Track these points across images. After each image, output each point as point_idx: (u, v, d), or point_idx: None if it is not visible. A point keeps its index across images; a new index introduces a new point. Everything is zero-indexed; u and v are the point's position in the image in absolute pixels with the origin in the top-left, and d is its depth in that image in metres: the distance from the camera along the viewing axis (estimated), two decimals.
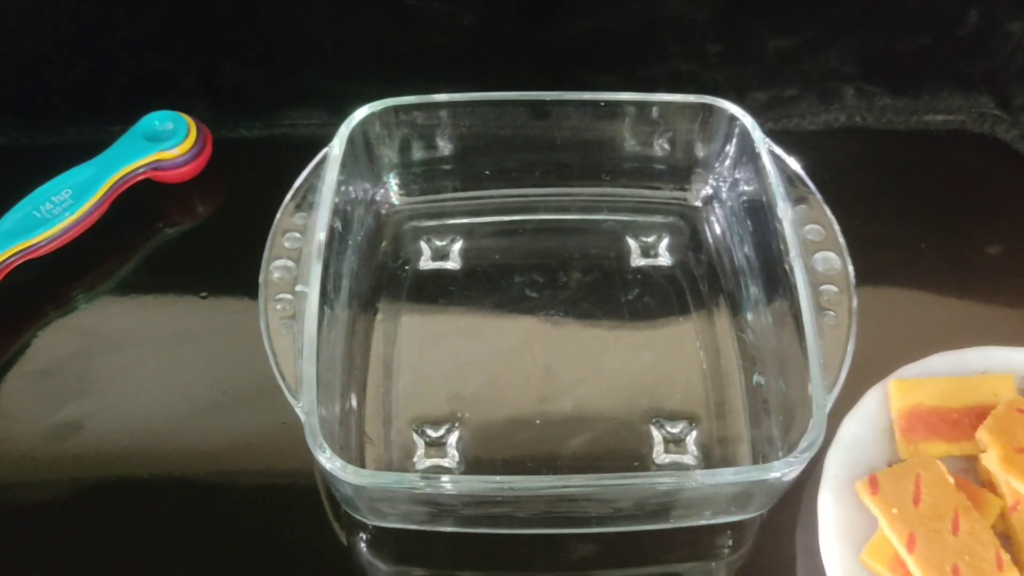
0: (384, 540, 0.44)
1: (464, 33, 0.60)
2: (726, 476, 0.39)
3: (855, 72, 0.62)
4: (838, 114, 0.61)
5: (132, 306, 0.52)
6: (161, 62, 0.61)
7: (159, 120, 0.56)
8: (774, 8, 0.61)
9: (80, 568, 0.43)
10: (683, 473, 0.39)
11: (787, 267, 0.44)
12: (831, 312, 0.43)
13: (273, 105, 0.61)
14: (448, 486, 0.38)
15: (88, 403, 0.48)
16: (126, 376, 0.49)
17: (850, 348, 0.42)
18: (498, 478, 0.38)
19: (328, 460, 0.38)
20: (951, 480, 0.41)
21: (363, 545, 0.44)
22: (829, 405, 0.40)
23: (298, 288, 0.43)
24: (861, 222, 0.49)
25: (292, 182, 0.49)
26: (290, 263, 0.45)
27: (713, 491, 0.40)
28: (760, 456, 0.45)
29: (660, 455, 0.45)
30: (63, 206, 0.52)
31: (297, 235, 0.46)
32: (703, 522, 0.43)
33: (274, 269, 0.44)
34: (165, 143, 0.55)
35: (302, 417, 0.39)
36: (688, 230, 0.54)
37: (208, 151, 0.57)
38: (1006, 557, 0.39)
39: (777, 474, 0.38)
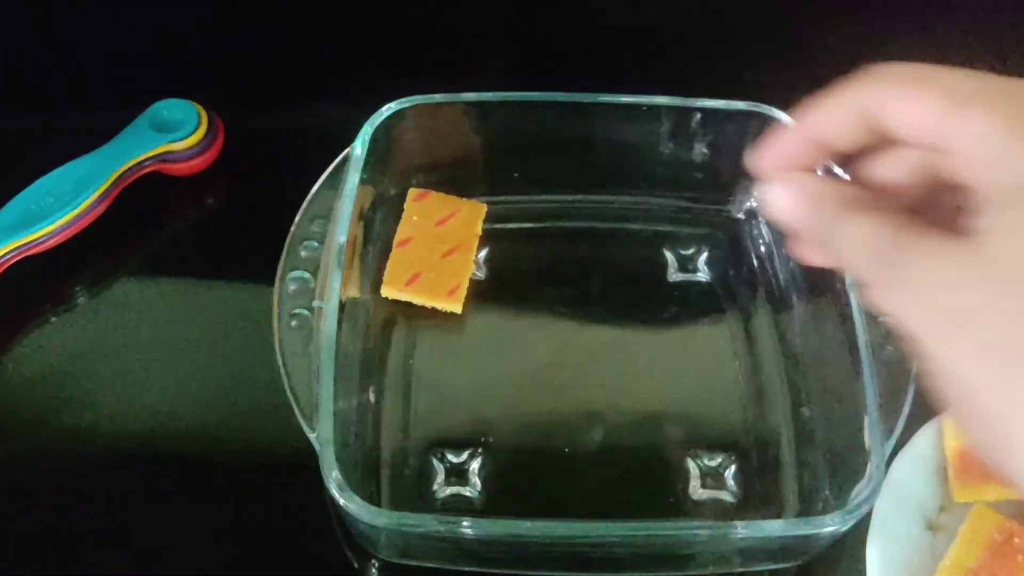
0: (398, 570, 0.41)
1: (495, 26, 0.57)
2: (773, 529, 0.36)
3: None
4: None
5: (136, 307, 0.49)
6: (171, 46, 0.58)
7: (168, 109, 0.53)
8: (825, 4, 0.57)
9: None
10: (724, 525, 0.36)
11: (840, 291, 0.42)
12: (889, 347, 0.40)
13: (291, 95, 0.58)
14: (470, 531, 0.35)
15: (87, 410, 0.46)
16: (128, 382, 0.47)
17: (910, 390, 0.39)
18: (526, 524, 0.35)
19: (343, 497, 0.35)
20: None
21: (375, 573, 0.42)
22: (887, 452, 0.37)
23: (315, 303, 0.41)
24: None
25: (309, 177, 0.46)
26: (307, 275, 0.42)
27: (756, 542, 0.37)
28: (804, 496, 0.42)
29: (696, 490, 0.42)
30: (64, 200, 0.49)
31: (315, 244, 0.43)
32: (738, 570, 0.41)
33: (290, 281, 0.42)
34: (174, 134, 0.52)
35: (316, 447, 0.37)
36: (729, 244, 0.51)
37: (220, 143, 0.54)
38: None
39: (829, 529, 0.36)
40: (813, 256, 0.31)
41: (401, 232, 0.48)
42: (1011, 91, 0.25)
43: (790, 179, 0.29)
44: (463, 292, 0.47)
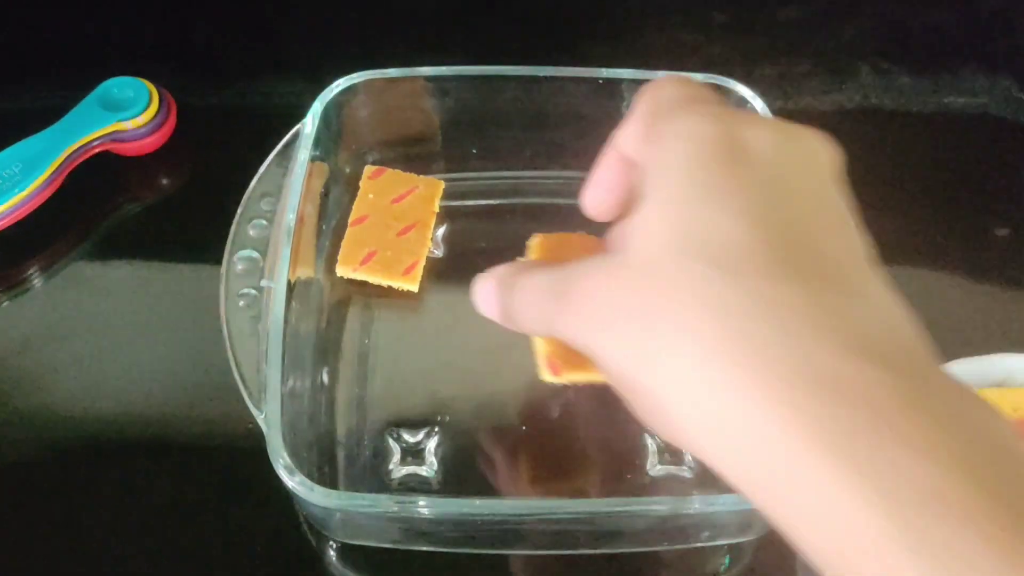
0: (358, 550, 0.41)
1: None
2: (729, 503, 0.36)
3: (871, 48, 0.58)
4: (852, 94, 0.58)
5: (88, 290, 0.49)
6: (121, 22, 0.57)
7: (118, 87, 0.51)
8: None
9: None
10: (679, 500, 0.36)
11: None
12: None
13: (244, 71, 0.57)
14: (424, 510, 0.35)
15: (39, 396, 0.45)
16: (79, 366, 0.46)
17: None
18: (478, 502, 0.35)
19: (292, 480, 0.35)
20: None
21: (333, 554, 0.41)
22: None
23: (263, 283, 0.40)
24: (875, 212, 0.46)
25: (264, 154, 0.45)
26: (255, 254, 0.41)
27: (712, 516, 0.37)
28: None
29: (655, 466, 0.42)
30: (12, 181, 0.48)
31: (264, 222, 0.42)
32: (698, 544, 0.40)
33: (237, 261, 0.41)
34: (125, 112, 0.51)
35: (264, 429, 0.36)
36: None
37: (172, 121, 0.53)
38: None
39: None
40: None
41: (356, 210, 0.47)
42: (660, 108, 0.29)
43: (483, 275, 0.33)
44: (420, 270, 0.46)
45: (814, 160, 0.27)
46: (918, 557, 0.20)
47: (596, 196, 0.33)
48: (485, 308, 0.33)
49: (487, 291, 0.32)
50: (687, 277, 0.24)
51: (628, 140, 0.30)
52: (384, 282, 0.46)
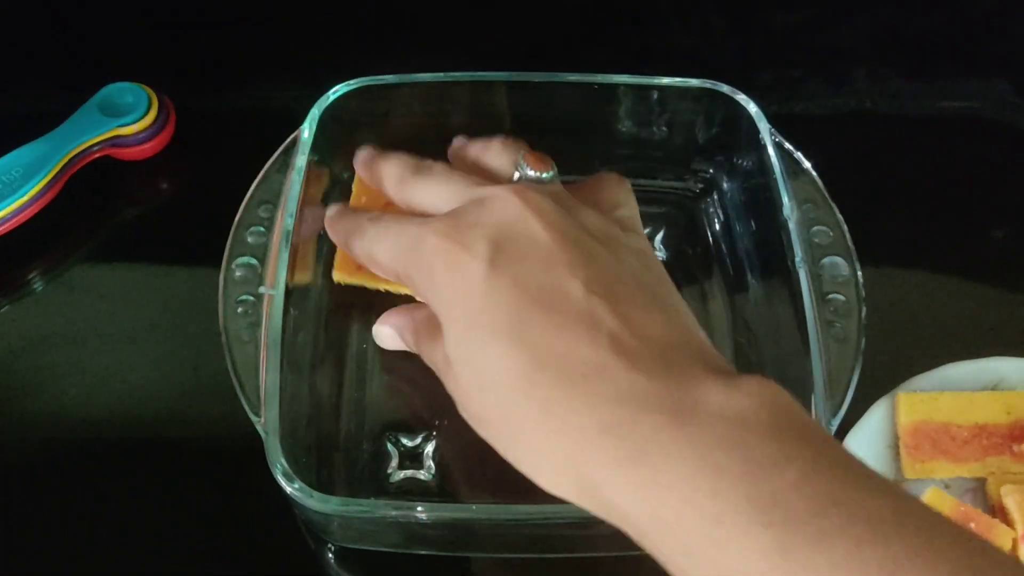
0: (355, 553, 0.41)
1: (449, 5, 0.56)
2: None
3: (867, 53, 0.59)
4: (847, 98, 0.58)
5: (87, 295, 0.49)
6: (120, 28, 0.57)
7: (118, 92, 0.52)
8: None
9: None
10: None
11: (791, 269, 0.42)
12: (838, 325, 0.40)
13: (243, 76, 0.57)
14: (422, 515, 0.35)
15: (40, 400, 0.45)
16: (79, 371, 0.46)
17: (857, 368, 0.39)
18: (475, 507, 0.35)
19: (290, 487, 0.35)
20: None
21: (331, 557, 0.42)
22: (834, 428, 0.37)
23: (262, 290, 0.40)
24: (869, 216, 0.46)
25: (263, 159, 0.45)
26: (254, 261, 0.41)
27: None
28: None
29: None
30: (12, 186, 0.48)
31: (262, 229, 0.42)
32: None
33: (236, 268, 0.41)
34: (124, 118, 0.51)
35: (263, 435, 0.36)
36: (686, 222, 0.51)
37: (171, 127, 0.53)
38: None
39: None
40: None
41: None
42: (405, 257, 0.35)
43: (382, 320, 0.41)
44: None
45: (535, 225, 0.33)
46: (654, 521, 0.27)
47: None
48: (389, 346, 0.41)
49: (389, 336, 0.41)
50: (489, 403, 0.31)
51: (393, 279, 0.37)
52: (381, 287, 0.46)
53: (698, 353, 0.30)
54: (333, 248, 0.47)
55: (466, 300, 0.32)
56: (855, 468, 0.27)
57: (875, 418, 0.43)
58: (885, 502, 0.25)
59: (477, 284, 0.32)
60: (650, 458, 0.27)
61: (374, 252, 0.37)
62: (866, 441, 0.43)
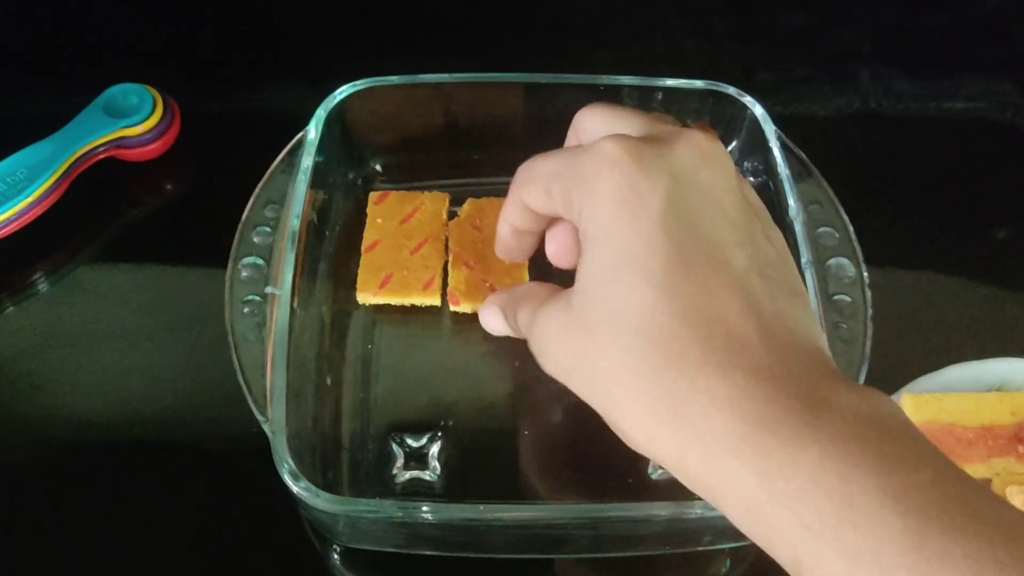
0: (360, 553, 0.41)
1: (454, 5, 0.56)
2: None
3: (871, 54, 0.59)
4: (852, 98, 0.58)
5: (93, 296, 0.49)
6: (125, 29, 0.57)
7: (123, 93, 0.52)
8: None
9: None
10: (681, 504, 0.36)
11: (798, 271, 0.41)
12: (844, 326, 0.40)
13: (248, 77, 0.58)
14: (428, 516, 0.35)
15: (45, 401, 0.45)
16: (85, 372, 0.46)
17: (864, 368, 0.39)
18: (482, 508, 0.35)
19: (297, 485, 0.35)
20: None
21: (337, 558, 0.42)
22: None
23: (268, 289, 0.40)
24: (874, 217, 0.47)
25: (268, 160, 0.45)
26: (260, 261, 0.41)
27: (714, 520, 0.37)
28: None
29: (656, 470, 0.42)
30: (17, 187, 0.48)
31: (268, 229, 0.42)
32: (700, 548, 0.41)
33: (242, 268, 0.41)
34: (129, 118, 0.51)
35: (269, 435, 0.36)
36: None
37: (176, 127, 0.53)
38: None
39: None
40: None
41: (367, 237, 0.47)
42: (570, 165, 0.33)
43: (489, 302, 0.40)
44: (439, 283, 0.46)
45: (705, 178, 0.31)
46: (778, 507, 0.27)
47: (513, 242, 0.40)
48: (494, 330, 0.40)
49: (493, 316, 0.39)
50: (618, 346, 0.30)
51: (541, 199, 0.35)
52: (406, 301, 0.46)
53: (825, 353, 0.30)
54: (339, 248, 0.47)
55: (629, 231, 0.30)
56: (976, 483, 0.27)
57: None
58: (1013, 513, 0.25)
59: (647, 219, 0.30)
60: (777, 435, 0.27)
61: (535, 164, 0.35)
62: None
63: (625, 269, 0.30)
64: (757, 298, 0.30)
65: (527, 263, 0.47)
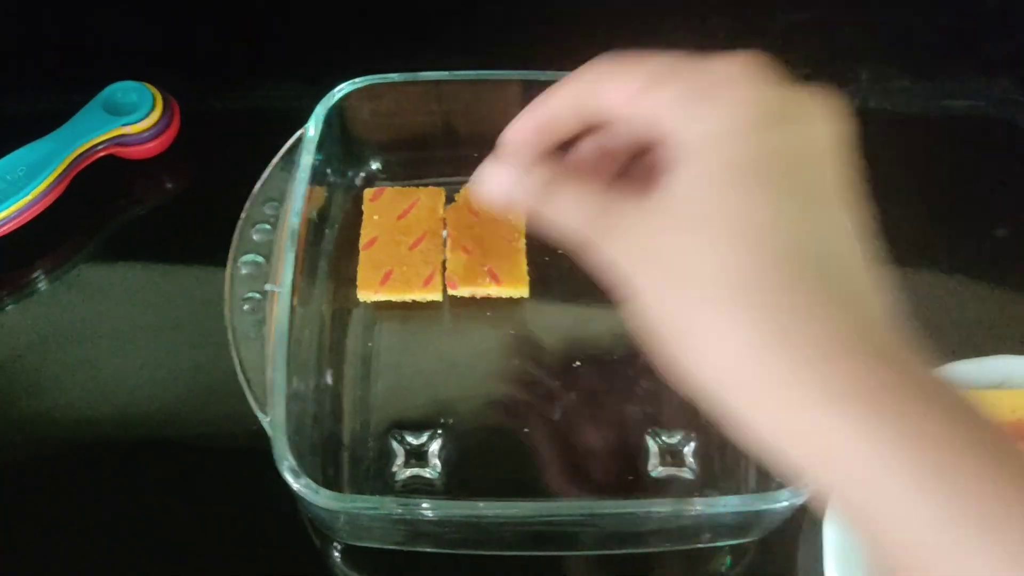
0: (360, 551, 0.41)
1: (454, 3, 0.56)
2: (730, 504, 0.36)
3: (871, 52, 0.59)
4: (852, 97, 0.58)
5: (92, 294, 0.49)
6: (125, 27, 0.57)
7: (122, 91, 0.52)
8: None
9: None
10: (681, 501, 0.36)
11: None
12: None
13: (247, 75, 0.58)
14: (429, 512, 0.35)
15: (45, 398, 0.45)
16: (85, 369, 0.46)
17: None
18: (483, 504, 0.35)
19: (297, 482, 0.35)
20: None
21: (337, 555, 0.42)
22: None
23: (268, 287, 0.40)
24: (875, 215, 0.46)
25: (267, 157, 0.46)
26: (260, 258, 0.42)
27: (713, 518, 0.37)
28: (763, 473, 0.42)
29: (656, 468, 0.42)
30: (17, 185, 0.48)
31: (268, 227, 0.42)
32: (699, 546, 0.41)
33: (242, 265, 0.41)
34: (129, 116, 0.51)
35: (269, 432, 0.36)
36: None
37: (176, 125, 0.53)
38: None
39: (785, 504, 0.36)
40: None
41: (365, 234, 0.47)
42: (692, 67, 0.29)
43: (501, 162, 0.33)
44: (439, 279, 0.47)
45: (832, 133, 0.29)
46: (917, 482, 0.24)
47: (526, 138, 0.34)
48: (499, 193, 0.33)
49: (503, 179, 0.33)
50: (723, 249, 0.26)
51: (624, 96, 0.30)
52: (407, 297, 0.46)
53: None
54: (338, 246, 0.47)
55: (761, 142, 0.27)
56: None
57: None
58: None
59: (781, 141, 0.28)
60: (903, 400, 0.25)
61: (633, 59, 0.31)
62: None
63: (746, 176, 0.27)
64: (862, 255, 0.28)
65: (524, 249, 0.47)
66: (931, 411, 0.25)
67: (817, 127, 0.29)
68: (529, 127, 0.34)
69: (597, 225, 0.30)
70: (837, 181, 0.29)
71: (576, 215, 0.31)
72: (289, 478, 0.35)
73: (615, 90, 0.31)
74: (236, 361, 0.38)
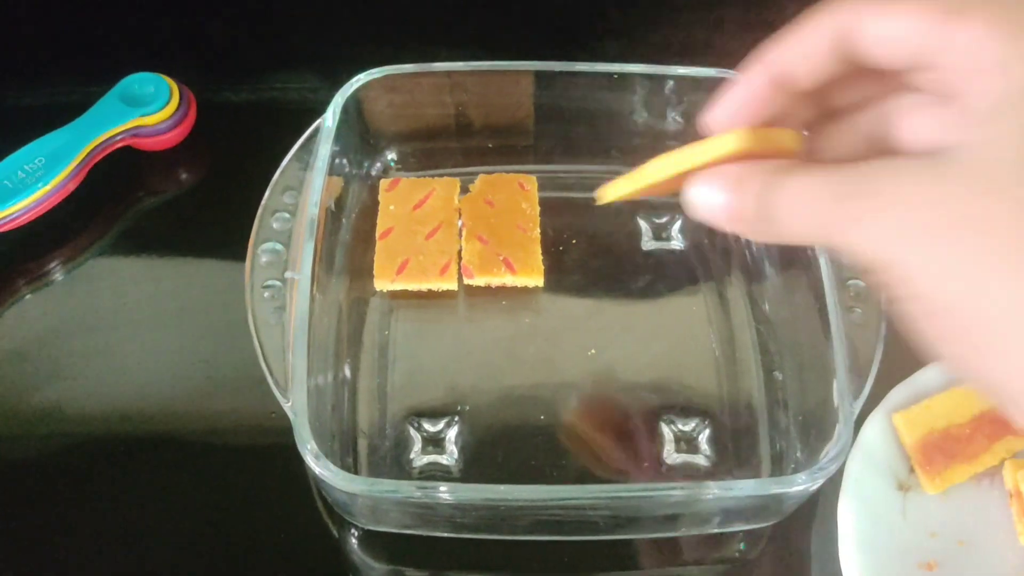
0: (377, 537, 0.42)
1: None
2: (745, 489, 0.36)
3: None
4: None
5: (110, 283, 0.49)
6: (142, 19, 0.57)
7: (139, 83, 0.52)
8: None
9: (53, 564, 0.41)
10: (696, 485, 0.37)
11: (810, 256, 0.42)
12: (858, 310, 0.41)
13: (262, 67, 0.58)
14: (447, 496, 0.36)
15: (63, 387, 0.46)
16: (104, 358, 0.47)
17: (879, 351, 0.39)
18: (500, 488, 0.36)
19: (319, 466, 0.35)
20: None
21: (354, 542, 0.42)
22: (856, 412, 0.38)
23: (288, 275, 0.41)
24: None
25: (282, 149, 0.46)
26: (279, 246, 0.42)
27: (728, 503, 0.38)
28: (777, 457, 0.42)
29: (671, 455, 0.43)
30: (36, 175, 0.49)
31: (287, 215, 0.43)
32: (714, 531, 0.41)
33: (261, 253, 0.42)
34: (146, 107, 0.51)
35: (291, 417, 0.37)
36: None
37: (192, 116, 0.53)
38: None
39: (799, 488, 0.36)
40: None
41: (381, 224, 0.48)
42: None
43: (710, 174, 0.28)
44: (455, 268, 0.47)
45: None
46: None
47: (736, 103, 0.28)
48: (712, 211, 0.28)
49: (717, 191, 0.27)
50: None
51: (904, 24, 0.25)
52: (423, 286, 0.46)
53: None
54: (356, 234, 0.48)
55: None
56: None
57: (893, 402, 0.43)
58: None
59: None
60: None
61: None
62: (884, 426, 0.43)
63: None
64: None
65: (539, 238, 0.48)
66: None
67: None
68: (761, 79, 0.28)
69: (848, 206, 0.24)
70: None
71: (812, 208, 0.25)
72: (311, 461, 0.35)
73: (894, 22, 0.25)
74: (257, 348, 0.38)
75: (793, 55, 0.27)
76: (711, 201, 0.27)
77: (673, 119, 0.50)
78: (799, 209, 0.25)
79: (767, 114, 0.28)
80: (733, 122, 0.28)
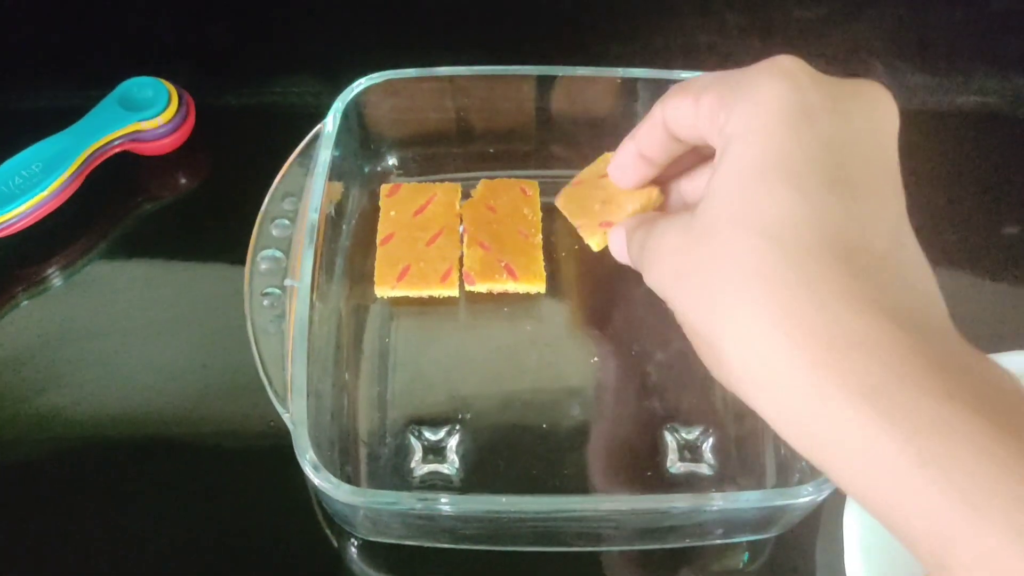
0: (377, 548, 0.41)
1: None
2: (750, 500, 0.36)
3: (884, 48, 0.59)
4: None
5: (108, 289, 0.49)
6: (140, 23, 0.57)
7: (138, 87, 0.52)
8: None
9: (51, 571, 0.41)
10: (700, 496, 0.36)
11: None
12: None
13: (262, 71, 0.57)
14: (448, 507, 0.35)
15: (61, 394, 0.45)
16: (102, 365, 0.46)
17: None
18: (502, 499, 0.35)
19: (318, 477, 0.35)
20: None
21: (354, 552, 0.42)
22: None
23: (287, 282, 0.40)
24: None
25: (282, 155, 0.45)
26: (279, 253, 0.42)
27: (733, 513, 0.37)
28: (781, 468, 0.42)
29: (674, 464, 0.42)
30: (33, 181, 0.48)
31: (287, 222, 0.42)
32: (718, 541, 0.41)
33: (261, 260, 0.41)
34: (144, 112, 0.51)
35: (290, 427, 0.36)
36: None
37: (191, 121, 0.53)
38: None
39: (804, 499, 0.36)
40: None
41: (381, 230, 0.47)
42: (734, 72, 0.30)
43: (614, 228, 0.37)
44: (456, 274, 0.47)
45: (876, 123, 0.29)
46: (927, 469, 0.24)
47: (631, 164, 0.37)
48: (618, 255, 0.37)
49: (618, 239, 0.37)
50: (743, 248, 0.27)
51: (685, 111, 0.32)
52: (424, 293, 0.46)
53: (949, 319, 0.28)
54: (356, 241, 0.48)
55: (786, 138, 0.28)
56: None
57: None
58: None
59: (810, 132, 0.27)
60: (925, 391, 0.24)
61: (691, 79, 0.33)
62: None
63: (772, 171, 0.27)
64: (905, 243, 0.28)
65: (541, 244, 0.47)
66: (957, 404, 0.24)
67: (858, 118, 0.29)
68: (632, 154, 0.37)
69: (643, 256, 0.32)
70: (881, 171, 0.29)
71: (634, 250, 0.34)
72: (310, 472, 0.35)
73: (675, 111, 0.32)
74: (256, 356, 0.38)
75: (643, 137, 0.36)
76: (613, 248, 0.38)
77: None
78: (632, 254, 0.35)
79: (646, 176, 0.37)
80: (626, 181, 0.38)
